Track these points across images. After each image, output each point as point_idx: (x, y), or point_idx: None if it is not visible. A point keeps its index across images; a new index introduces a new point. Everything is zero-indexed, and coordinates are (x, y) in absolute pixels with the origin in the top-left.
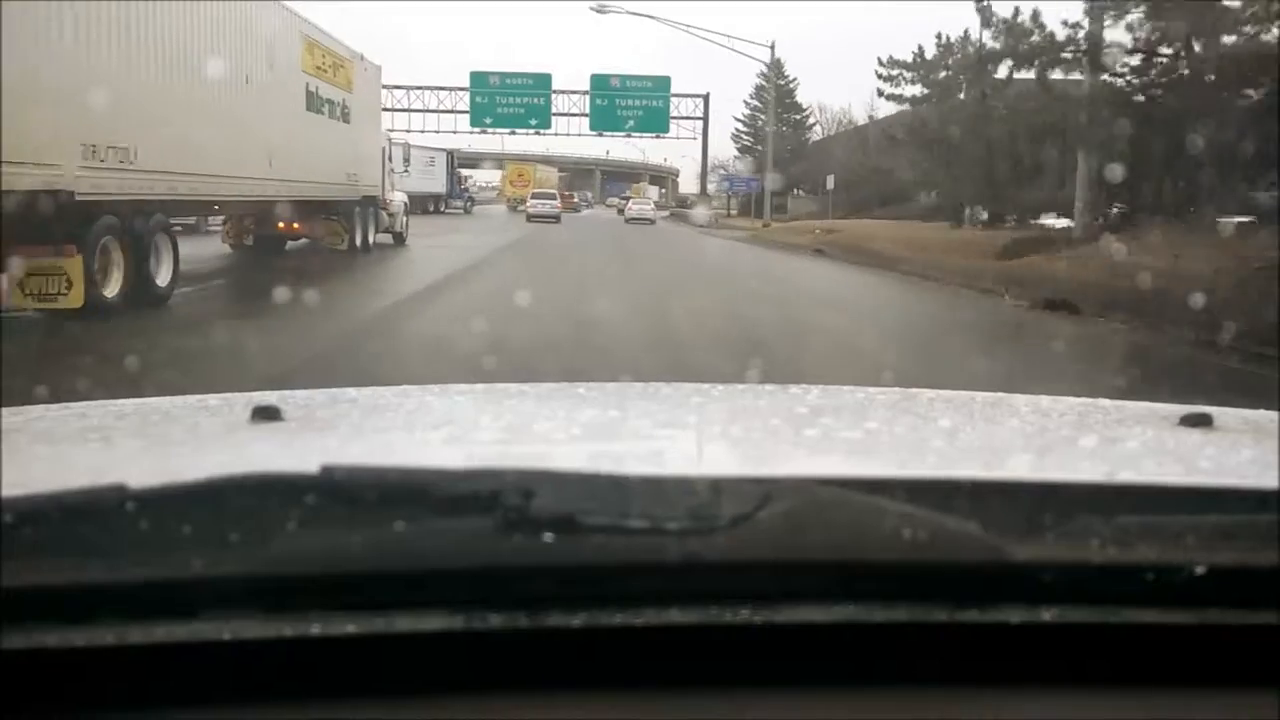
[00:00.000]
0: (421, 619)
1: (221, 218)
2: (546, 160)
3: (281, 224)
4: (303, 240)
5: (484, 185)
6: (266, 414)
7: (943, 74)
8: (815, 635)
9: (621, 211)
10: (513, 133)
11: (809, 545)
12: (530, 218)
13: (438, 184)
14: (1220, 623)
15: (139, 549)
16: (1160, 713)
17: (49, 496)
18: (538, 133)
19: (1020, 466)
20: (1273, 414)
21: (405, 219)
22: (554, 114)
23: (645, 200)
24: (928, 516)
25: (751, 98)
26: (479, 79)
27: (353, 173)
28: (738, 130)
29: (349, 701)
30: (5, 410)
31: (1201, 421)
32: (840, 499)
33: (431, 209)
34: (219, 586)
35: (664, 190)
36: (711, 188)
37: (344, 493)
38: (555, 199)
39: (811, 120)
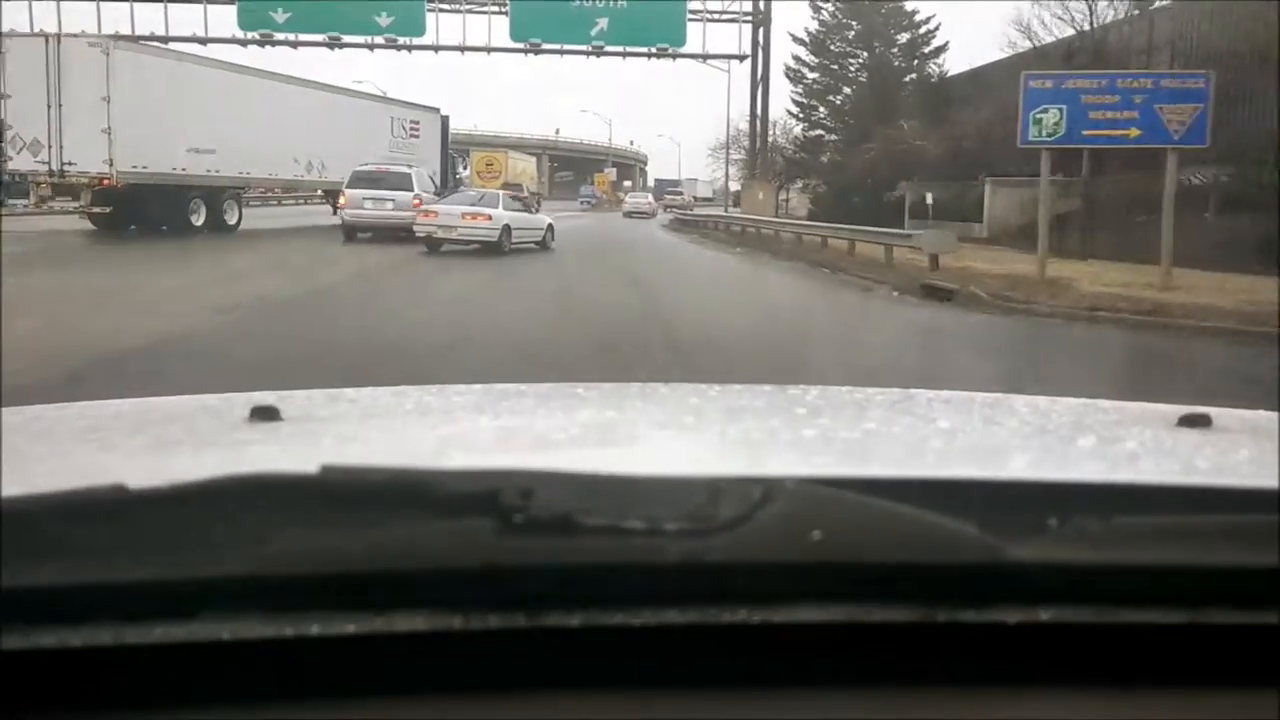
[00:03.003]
0: (421, 619)
1: None
2: (487, 141)
3: None
4: None
5: None
6: (265, 414)
7: None
8: (814, 635)
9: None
10: (337, 44)
11: (807, 545)
12: (346, 230)
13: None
14: (1220, 623)
15: (138, 549)
16: (1160, 713)
17: (49, 496)
18: (400, 47)
19: (1019, 466)
20: (1272, 414)
21: None
22: (433, 7)
23: (640, 195)
24: (926, 517)
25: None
26: None
27: None
28: (797, 61)
29: (349, 701)
30: (5, 410)
31: (1200, 422)
32: (839, 499)
33: None
34: (218, 586)
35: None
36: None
37: (343, 493)
38: (406, 189)
39: (936, 44)
